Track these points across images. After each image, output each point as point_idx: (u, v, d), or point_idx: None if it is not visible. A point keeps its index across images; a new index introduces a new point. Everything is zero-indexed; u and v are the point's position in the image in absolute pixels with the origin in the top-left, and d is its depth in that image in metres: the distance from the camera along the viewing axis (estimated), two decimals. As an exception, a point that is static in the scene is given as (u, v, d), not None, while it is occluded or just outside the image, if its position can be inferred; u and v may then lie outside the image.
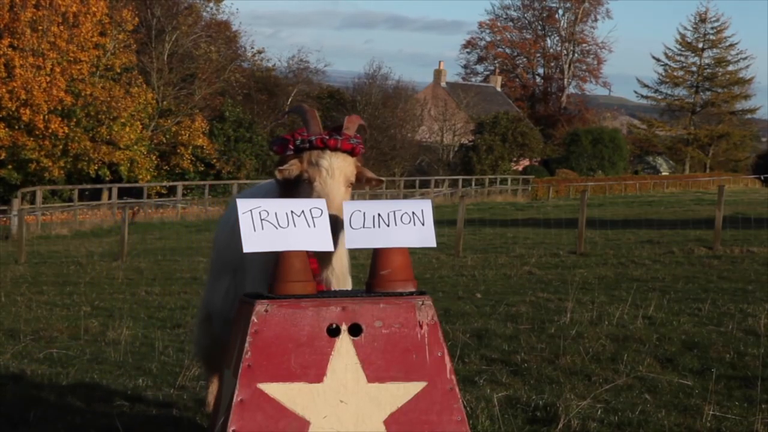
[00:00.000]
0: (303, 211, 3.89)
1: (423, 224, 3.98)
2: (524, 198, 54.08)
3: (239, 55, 58.76)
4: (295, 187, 4.27)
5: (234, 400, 3.51)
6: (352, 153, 4.34)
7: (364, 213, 3.95)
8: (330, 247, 3.89)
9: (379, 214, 3.94)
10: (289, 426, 3.54)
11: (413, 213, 3.98)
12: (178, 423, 5.76)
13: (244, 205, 3.82)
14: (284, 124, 56.24)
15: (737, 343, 7.84)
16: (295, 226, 3.84)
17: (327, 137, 4.30)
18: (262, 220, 3.81)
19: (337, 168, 4.23)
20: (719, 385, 6.53)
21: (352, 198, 4.33)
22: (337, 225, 4.02)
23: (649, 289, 11.80)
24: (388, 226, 3.93)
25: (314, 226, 3.87)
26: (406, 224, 3.94)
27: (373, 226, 3.92)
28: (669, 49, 79.60)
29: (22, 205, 33.16)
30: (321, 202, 3.98)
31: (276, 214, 3.83)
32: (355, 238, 3.91)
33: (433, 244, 4.01)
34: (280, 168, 4.29)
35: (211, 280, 5.23)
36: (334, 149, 4.29)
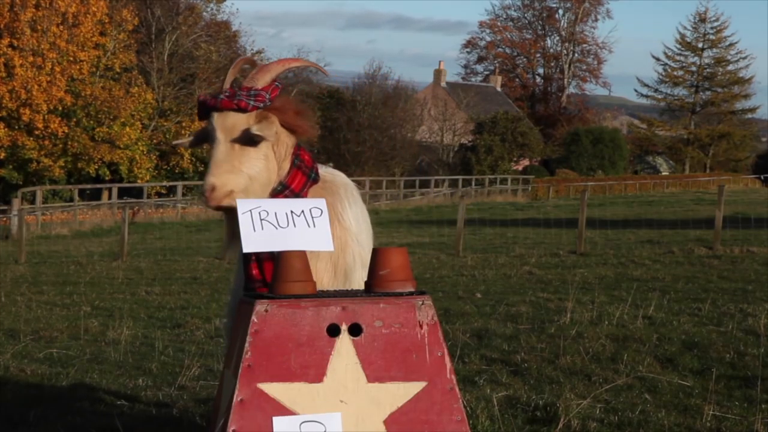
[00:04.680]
0: (303, 211, 3.86)
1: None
2: (524, 198, 54.07)
3: (239, 55, 58.74)
4: None
5: (234, 400, 3.51)
6: (239, 110, 3.93)
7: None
8: (330, 247, 3.87)
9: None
10: (289, 426, 3.54)
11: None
12: (178, 423, 5.76)
13: (243, 205, 3.81)
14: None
15: (737, 343, 7.84)
16: (294, 226, 3.83)
17: (209, 97, 3.99)
18: (261, 220, 3.80)
19: (220, 129, 3.93)
20: (719, 385, 6.53)
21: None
22: (217, 192, 3.86)
23: (649, 289, 11.80)
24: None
25: (314, 226, 3.85)
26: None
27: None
28: (669, 48, 79.66)
29: (23, 205, 33.16)
30: (321, 202, 3.94)
31: (276, 213, 3.82)
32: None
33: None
34: (175, 142, 4.13)
35: (236, 271, 5.16)
36: (217, 109, 3.95)
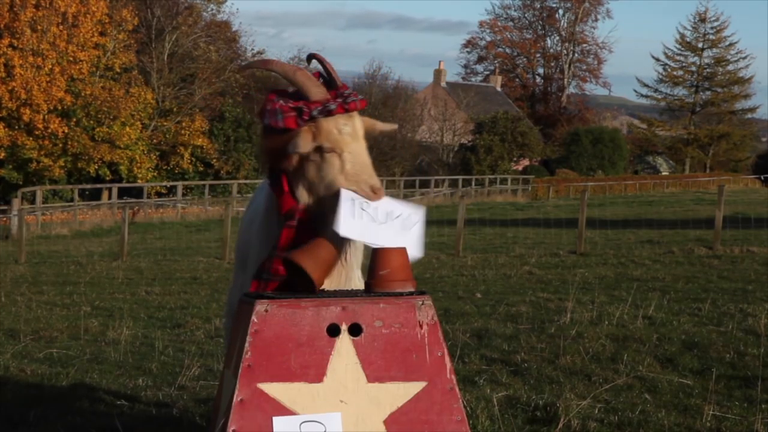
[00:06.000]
0: (400, 215, 3.84)
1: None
2: (524, 198, 54.08)
3: (239, 55, 58.77)
4: (296, 170, 3.82)
5: (234, 400, 3.51)
6: (360, 111, 3.94)
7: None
8: (419, 254, 3.84)
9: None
10: (289, 426, 3.54)
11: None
12: (178, 423, 5.76)
13: (346, 193, 3.77)
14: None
15: (737, 343, 7.84)
16: (391, 225, 3.81)
17: (346, 101, 3.90)
18: (362, 210, 3.77)
19: (360, 130, 3.91)
20: (719, 385, 6.53)
21: None
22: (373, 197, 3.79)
23: (649, 289, 11.80)
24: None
25: (409, 230, 3.83)
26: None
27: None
28: (669, 48, 79.69)
29: (23, 205, 33.16)
30: (419, 211, 3.87)
31: (377, 208, 3.80)
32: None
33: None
34: (296, 149, 3.75)
35: (235, 270, 5.15)
36: (352, 110, 3.90)
